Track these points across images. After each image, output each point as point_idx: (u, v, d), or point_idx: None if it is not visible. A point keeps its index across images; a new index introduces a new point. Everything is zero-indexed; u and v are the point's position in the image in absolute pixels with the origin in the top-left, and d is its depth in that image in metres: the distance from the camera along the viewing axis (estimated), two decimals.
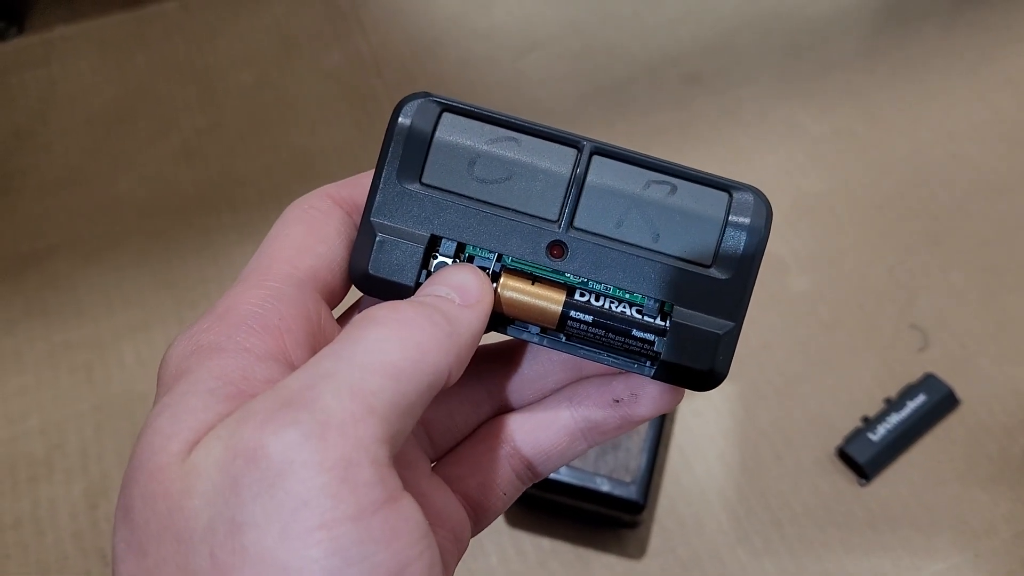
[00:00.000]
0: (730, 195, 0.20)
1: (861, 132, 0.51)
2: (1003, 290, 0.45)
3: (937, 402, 0.41)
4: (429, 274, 0.20)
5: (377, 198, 0.20)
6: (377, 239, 0.20)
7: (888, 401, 0.41)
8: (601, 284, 0.20)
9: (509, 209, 0.20)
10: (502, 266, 0.20)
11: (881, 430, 0.40)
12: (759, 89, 0.53)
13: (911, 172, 0.50)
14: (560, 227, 0.20)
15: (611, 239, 0.20)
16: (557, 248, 0.20)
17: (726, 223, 0.20)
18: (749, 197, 0.20)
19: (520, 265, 0.20)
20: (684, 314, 0.20)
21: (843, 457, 0.40)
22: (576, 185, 0.20)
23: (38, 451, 0.42)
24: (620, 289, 0.20)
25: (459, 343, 0.18)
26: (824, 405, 0.42)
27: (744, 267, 0.20)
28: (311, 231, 0.21)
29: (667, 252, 0.20)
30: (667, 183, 0.20)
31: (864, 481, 0.40)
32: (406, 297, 0.20)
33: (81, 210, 0.50)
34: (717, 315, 0.20)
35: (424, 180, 0.20)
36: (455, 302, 0.19)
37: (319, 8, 0.57)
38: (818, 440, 0.41)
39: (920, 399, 0.41)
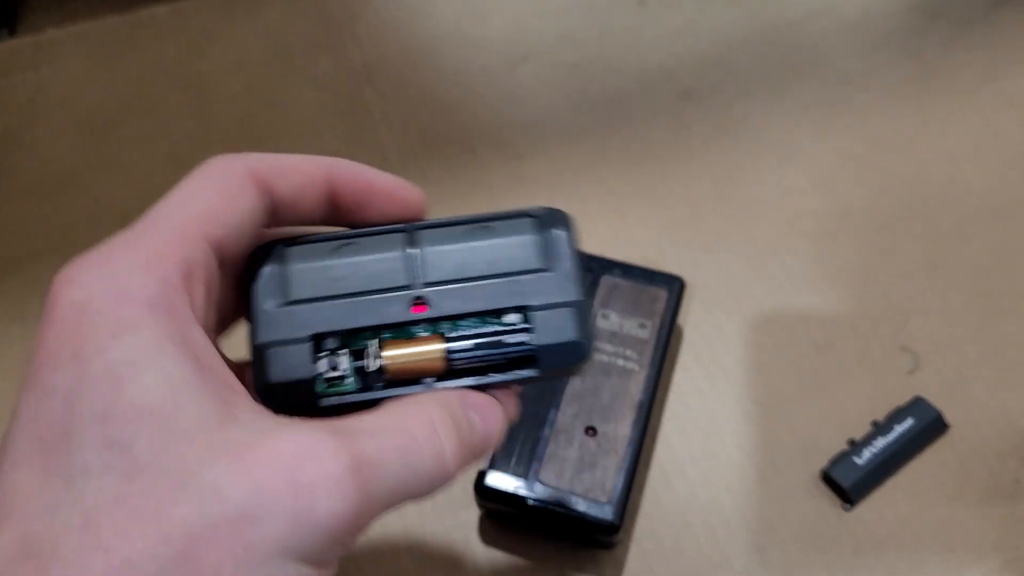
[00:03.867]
0: (531, 215, 0.25)
1: (860, 152, 0.50)
2: (999, 315, 0.44)
3: (925, 426, 0.39)
4: (329, 361, 0.23)
5: (258, 328, 0.23)
6: (269, 352, 0.23)
7: (875, 424, 0.40)
8: (466, 319, 0.24)
9: (371, 292, 0.23)
10: (379, 340, 0.23)
11: (867, 453, 0.39)
12: (756, 106, 0.52)
13: (910, 194, 0.49)
14: (415, 287, 0.24)
15: (459, 280, 0.24)
16: (419, 305, 0.23)
17: (538, 232, 0.24)
18: (544, 210, 0.25)
19: (395, 334, 0.23)
20: (540, 311, 0.24)
21: (827, 481, 0.39)
22: (412, 254, 0.24)
23: None
24: (483, 314, 0.24)
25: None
26: (812, 427, 0.41)
27: (566, 257, 0.24)
28: (224, 199, 0.22)
29: (506, 272, 0.24)
30: (483, 227, 0.24)
31: (848, 506, 0.38)
32: (310, 393, 0.23)
33: (66, 215, 0.50)
34: (564, 298, 0.24)
35: (290, 299, 0.23)
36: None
37: (313, 16, 0.57)
38: (804, 463, 0.40)
39: (908, 423, 0.39)
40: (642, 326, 0.40)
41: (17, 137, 0.53)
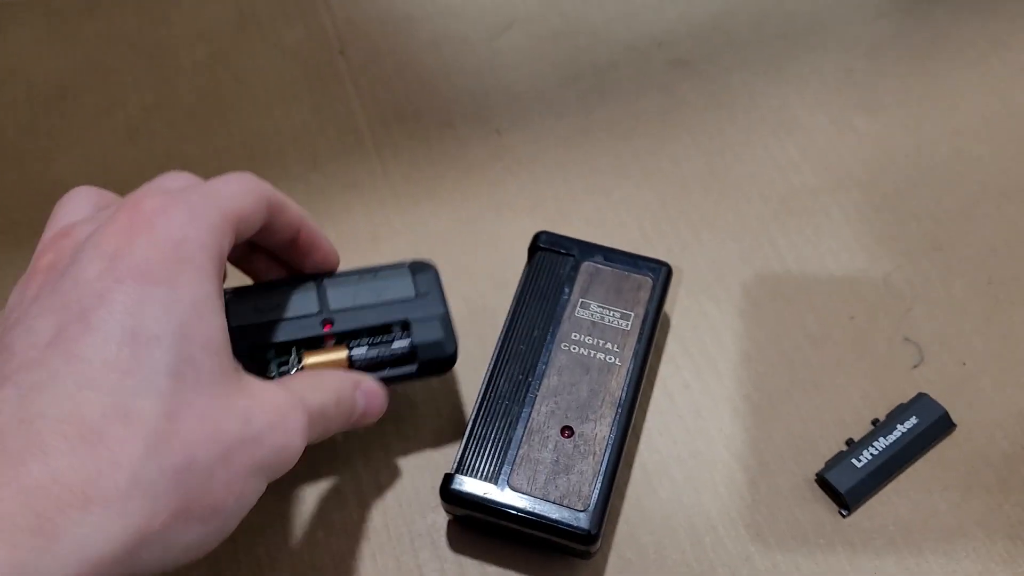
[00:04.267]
0: (407, 265, 0.36)
1: (860, 125, 0.47)
2: (1009, 303, 0.41)
3: (929, 425, 0.37)
4: (259, 366, 0.32)
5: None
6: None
7: (876, 423, 0.37)
8: (363, 334, 0.34)
9: (291, 318, 0.33)
10: (300, 352, 0.33)
11: (866, 455, 0.36)
12: (750, 76, 0.49)
13: (913, 170, 0.45)
14: (323, 313, 0.33)
15: (355, 307, 0.34)
16: (327, 323, 0.33)
17: (411, 273, 0.35)
18: (416, 261, 0.36)
19: (310, 347, 0.33)
20: (415, 322, 0.34)
21: (823, 484, 0.36)
22: (322, 292, 0.34)
23: None
24: (374, 330, 0.34)
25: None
26: (806, 426, 0.38)
27: (434, 288, 0.35)
28: (253, 209, 0.30)
29: (390, 300, 0.34)
30: (370, 273, 0.35)
31: (845, 512, 0.36)
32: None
33: (16, 193, 0.47)
34: (432, 311, 0.34)
35: (229, 324, 0.28)
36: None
37: None
38: (797, 465, 0.37)
39: (911, 421, 0.37)
40: (624, 317, 0.37)
41: None
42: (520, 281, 0.39)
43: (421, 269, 0.35)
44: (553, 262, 0.39)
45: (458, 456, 0.34)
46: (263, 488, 0.27)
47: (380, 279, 0.35)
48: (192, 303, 0.25)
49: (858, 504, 0.36)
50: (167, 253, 0.26)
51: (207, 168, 0.47)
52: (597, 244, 0.39)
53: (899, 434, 0.36)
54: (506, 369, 0.36)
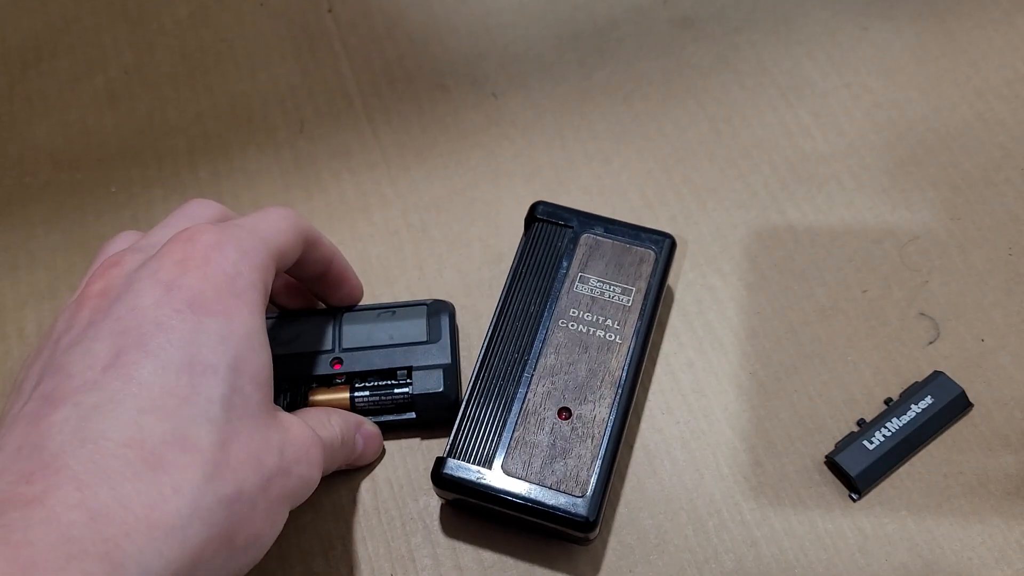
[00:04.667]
0: (425, 305, 0.37)
1: (875, 87, 0.45)
2: None
3: (945, 405, 0.35)
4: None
5: None
6: None
7: (888, 402, 0.35)
8: (369, 377, 0.35)
9: (305, 353, 0.35)
10: (308, 388, 0.35)
11: (878, 436, 0.34)
12: (759, 36, 0.46)
13: (931, 135, 0.43)
14: (335, 350, 0.35)
15: (366, 347, 0.35)
16: (337, 362, 0.35)
17: (427, 315, 0.36)
18: (434, 301, 0.37)
19: (319, 383, 0.35)
20: (420, 370, 0.35)
21: (832, 467, 0.34)
22: (338, 328, 0.36)
23: None
24: (381, 372, 0.35)
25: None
26: (815, 404, 0.36)
27: (445, 334, 0.36)
28: (292, 246, 0.31)
29: (401, 342, 0.35)
30: (388, 312, 0.36)
31: (856, 496, 0.34)
32: None
33: None
34: (438, 361, 0.35)
35: None
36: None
37: None
38: (805, 446, 0.36)
39: (926, 401, 0.35)
40: (626, 292, 0.35)
41: None
42: (516, 254, 0.37)
43: (438, 311, 0.36)
44: (551, 234, 0.37)
45: (450, 439, 0.33)
46: (286, 517, 0.27)
47: (396, 319, 0.36)
48: (245, 336, 0.26)
49: (869, 488, 0.34)
50: (222, 287, 0.26)
51: (189, 132, 0.45)
52: (597, 215, 0.37)
53: (913, 414, 0.35)
54: (501, 348, 0.34)
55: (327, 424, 0.31)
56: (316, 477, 0.28)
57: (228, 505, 0.24)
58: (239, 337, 0.26)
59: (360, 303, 0.37)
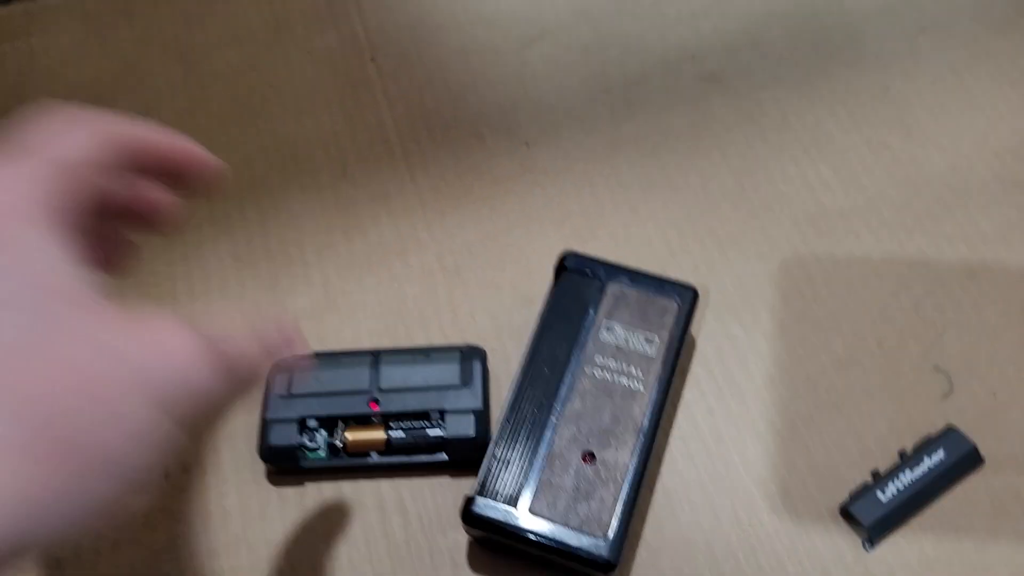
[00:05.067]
0: (459, 349, 0.39)
1: (895, 145, 0.46)
2: None
3: (957, 459, 0.36)
4: (309, 436, 0.38)
5: (269, 406, 0.38)
6: (271, 425, 0.37)
7: (902, 455, 0.37)
8: (403, 418, 0.37)
9: (343, 392, 0.38)
10: (345, 426, 0.38)
11: (892, 488, 0.36)
12: (783, 92, 0.48)
13: (948, 193, 0.45)
14: (373, 390, 0.38)
15: (402, 388, 0.38)
16: (374, 402, 0.38)
17: (460, 360, 0.38)
18: (467, 346, 0.39)
19: (356, 421, 0.38)
20: (453, 413, 0.37)
21: (846, 516, 0.36)
22: (375, 368, 0.38)
23: None
24: (415, 413, 0.37)
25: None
26: (830, 454, 0.38)
27: (476, 377, 0.38)
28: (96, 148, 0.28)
29: (435, 385, 0.38)
30: (423, 354, 0.39)
31: (869, 545, 0.35)
32: (294, 457, 0.38)
33: None
34: (470, 405, 0.37)
35: (292, 392, 0.38)
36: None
37: None
38: (821, 495, 0.37)
39: (939, 455, 0.36)
40: (649, 341, 0.37)
41: (4, 109, 0.51)
42: (545, 302, 0.39)
43: (471, 356, 0.39)
44: (579, 284, 0.39)
45: (480, 478, 0.35)
46: (169, 425, 0.23)
47: (431, 362, 0.38)
48: (23, 256, 0.23)
49: (882, 538, 0.35)
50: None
51: (239, 174, 0.48)
52: (623, 266, 0.39)
53: (926, 468, 0.36)
54: (530, 392, 0.36)
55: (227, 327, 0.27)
56: (194, 370, 0.24)
57: (38, 427, 0.21)
58: (18, 259, 0.23)
59: (396, 345, 0.39)
